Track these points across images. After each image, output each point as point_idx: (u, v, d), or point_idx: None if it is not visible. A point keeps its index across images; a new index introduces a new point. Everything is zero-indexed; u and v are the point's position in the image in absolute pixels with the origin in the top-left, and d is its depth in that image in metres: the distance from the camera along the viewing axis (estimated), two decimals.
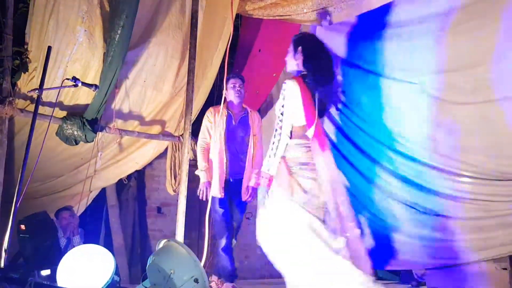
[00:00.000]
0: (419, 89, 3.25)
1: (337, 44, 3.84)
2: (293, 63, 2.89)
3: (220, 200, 3.73)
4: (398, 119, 3.46)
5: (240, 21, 4.66)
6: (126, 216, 5.74)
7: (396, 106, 3.45)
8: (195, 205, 5.06)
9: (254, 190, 3.67)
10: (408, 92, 3.30)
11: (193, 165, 4.18)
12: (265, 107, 5.09)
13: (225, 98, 3.83)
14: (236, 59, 4.86)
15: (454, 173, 3.22)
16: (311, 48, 2.87)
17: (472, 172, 3.15)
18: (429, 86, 3.21)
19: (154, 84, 4.35)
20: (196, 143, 4.04)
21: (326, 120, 3.85)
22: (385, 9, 3.51)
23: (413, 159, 3.39)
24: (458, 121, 3.15)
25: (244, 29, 4.75)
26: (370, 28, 3.64)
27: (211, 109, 3.87)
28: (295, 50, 2.86)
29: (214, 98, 4.81)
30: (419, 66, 3.25)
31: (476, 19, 2.98)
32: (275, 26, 4.34)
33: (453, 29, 3.05)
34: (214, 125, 3.78)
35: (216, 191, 3.72)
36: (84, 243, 4.24)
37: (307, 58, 2.82)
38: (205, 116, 3.87)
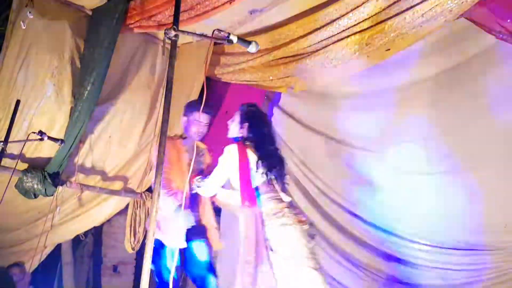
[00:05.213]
0: (378, 157, 3.39)
1: (300, 110, 3.99)
2: (237, 131, 3.02)
3: None
4: (360, 187, 3.56)
5: (209, 82, 4.78)
6: (80, 274, 5.49)
7: (355, 174, 3.58)
8: None
9: None
10: (367, 161, 3.43)
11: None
12: None
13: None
14: None
15: (413, 241, 3.33)
16: (257, 122, 3.01)
17: (430, 241, 3.27)
18: (387, 155, 3.36)
19: (119, 140, 4.35)
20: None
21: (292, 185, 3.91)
22: (344, 81, 3.64)
23: (374, 225, 3.48)
24: (414, 190, 3.28)
25: (213, 90, 4.87)
26: (330, 97, 3.78)
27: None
28: (242, 123, 3.00)
29: None
30: (376, 136, 3.41)
31: (426, 94, 3.17)
32: (242, 90, 4.48)
33: (407, 103, 3.24)
34: None
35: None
36: None
37: (252, 129, 2.97)
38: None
